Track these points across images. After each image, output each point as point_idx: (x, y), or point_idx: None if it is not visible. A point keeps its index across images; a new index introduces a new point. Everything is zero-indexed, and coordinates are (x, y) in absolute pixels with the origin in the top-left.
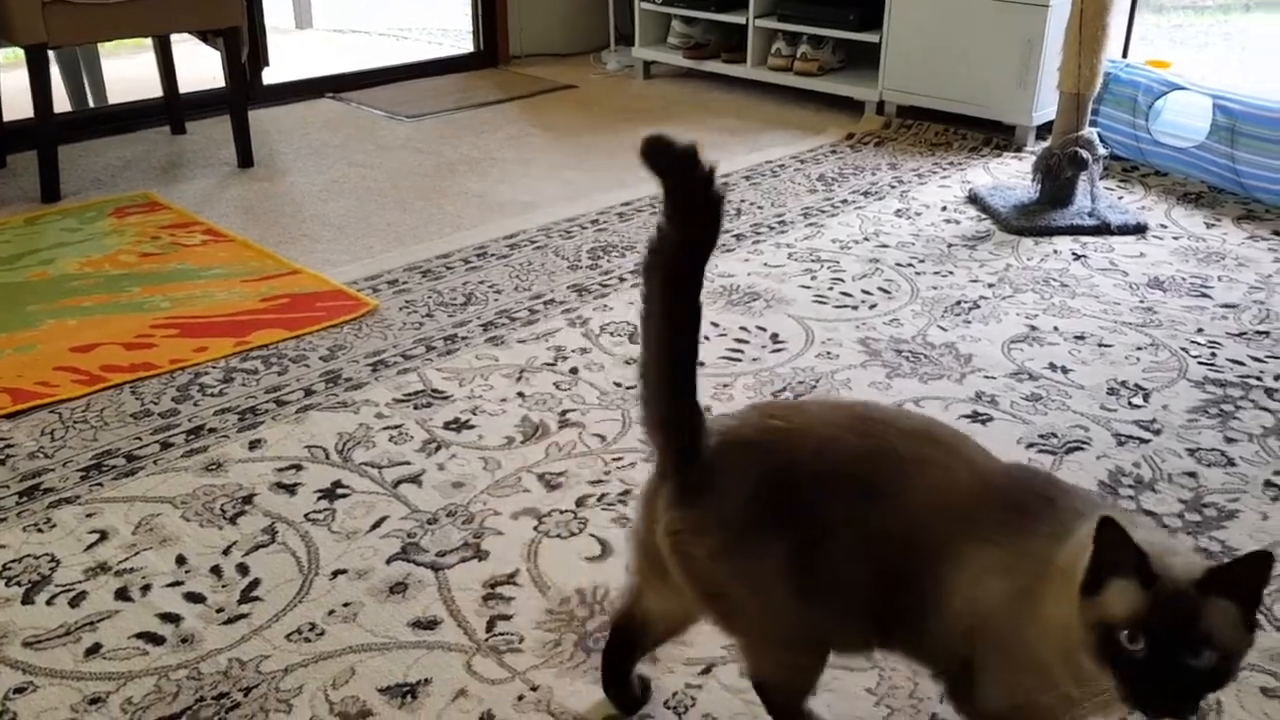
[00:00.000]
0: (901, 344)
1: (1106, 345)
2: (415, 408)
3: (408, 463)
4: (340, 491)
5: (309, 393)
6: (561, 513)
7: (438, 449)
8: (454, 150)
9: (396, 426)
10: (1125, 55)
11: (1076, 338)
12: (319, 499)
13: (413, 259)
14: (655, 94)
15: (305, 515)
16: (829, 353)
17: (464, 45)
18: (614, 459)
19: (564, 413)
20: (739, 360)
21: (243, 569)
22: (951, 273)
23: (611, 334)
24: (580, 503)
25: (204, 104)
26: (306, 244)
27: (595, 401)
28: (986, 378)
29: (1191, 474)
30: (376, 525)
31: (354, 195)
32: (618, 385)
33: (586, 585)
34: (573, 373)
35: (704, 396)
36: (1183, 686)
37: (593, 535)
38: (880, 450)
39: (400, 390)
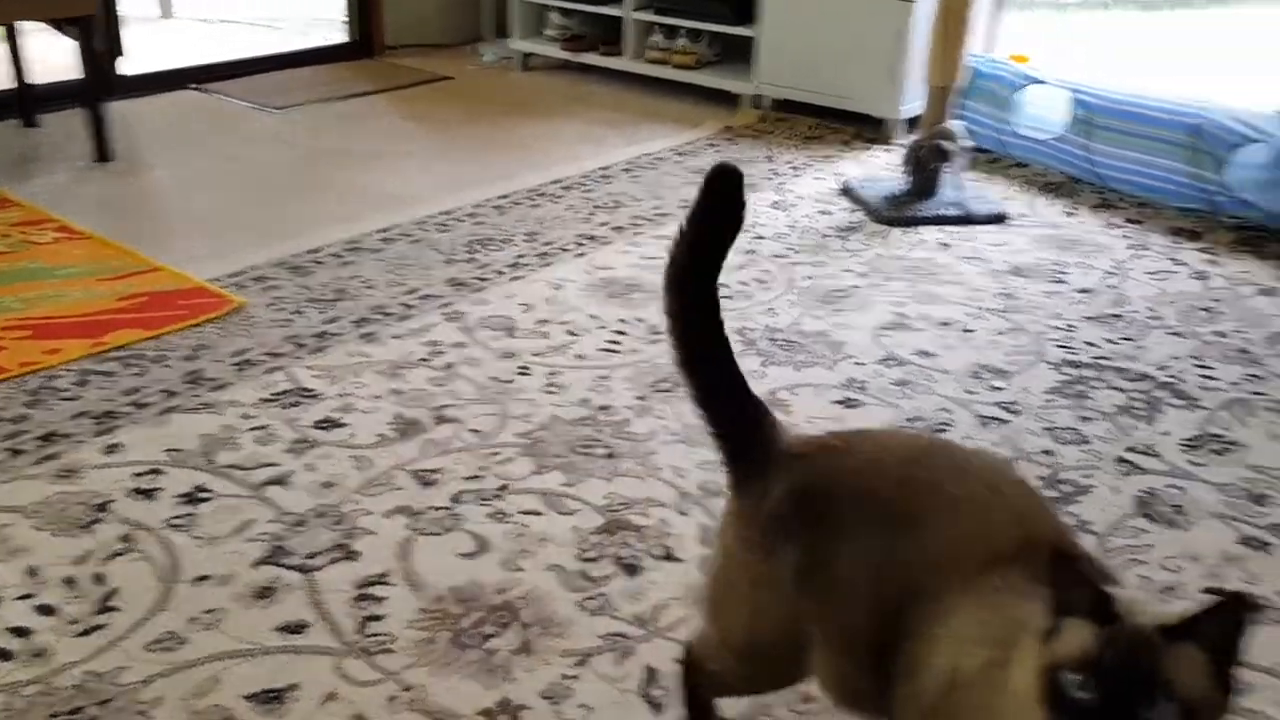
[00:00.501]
0: (776, 333)
1: (970, 331)
2: (283, 407)
3: (275, 464)
4: (203, 495)
5: (170, 394)
6: (436, 510)
7: (307, 449)
8: (325, 143)
9: (263, 427)
10: (990, 50)
11: (942, 324)
12: (180, 504)
13: (281, 254)
14: (533, 86)
15: (165, 521)
16: None
17: (338, 35)
18: (491, 454)
19: (440, 409)
20: (618, 352)
21: (99, 579)
22: (825, 263)
23: (489, 328)
24: (456, 499)
25: (58, 96)
26: (168, 240)
27: (472, 396)
28: (857, 364)
29: (1049, 452)
30: (242, 529)
31: (219, 190)
32: (495, 380)
33: (462, 582)
34: (449, 368)
35: (582, 390)
36: None
37: (468, 531)
38: (920, 479)
39: (267, 390)
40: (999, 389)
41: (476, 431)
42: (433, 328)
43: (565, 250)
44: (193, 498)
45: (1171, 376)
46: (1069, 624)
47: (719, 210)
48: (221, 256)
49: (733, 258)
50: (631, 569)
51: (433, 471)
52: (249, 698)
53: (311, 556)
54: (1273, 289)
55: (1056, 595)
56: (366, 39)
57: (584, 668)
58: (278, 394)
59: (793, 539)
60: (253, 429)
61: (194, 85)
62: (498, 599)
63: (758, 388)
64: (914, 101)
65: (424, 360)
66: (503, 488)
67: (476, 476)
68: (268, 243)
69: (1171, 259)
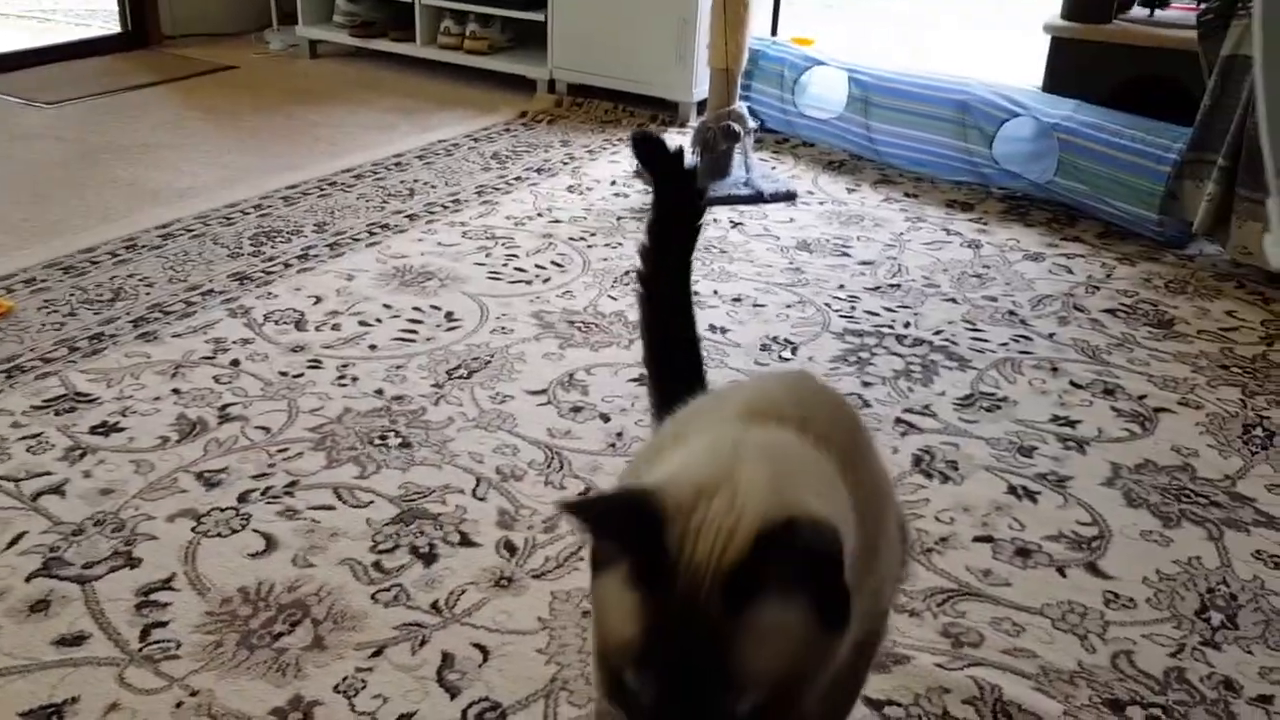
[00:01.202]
0: (574, 315)
1: (760, 305)
2: (56, 414)
3: (49, 473)
4: None
5: None
6: (222, 510)
7: (83, 455)
8: (101, 138)
9: (35, 435)
10: (775, 33)
11: (734, 300)
12: None
13: (53, 255)
14: (322, 74)
15: None
16: (504, 328)
17: (115, 27)
18: (279, 450)
19: (224, 407)
20: (413, 341)
21: None
22: (621, 244)
23: (276, 322)
24: (243, 499)
25: None
26: None
27: (259, 393)
28: None
29: None
30: (14, 542)
31: None
32: (283, 375)
33: (250, 582)
34: (234, 365)
35: (375, 380)
36: None
37: (256, 530)
38: (732, 388)
39: (39, 396)
40: (787, 360)
41: (264, 428)
42: (216, 324)
43: (357, 240)
44: None
45: (946, 340)
46: (608, 583)
47: (664, 177)
48: None
49: (529, 242)
50: (428, 557)
51: (218, 471)
52: (25, 715)
53: (89, 566)
54: (1038, 254)
55: (593, 533)
56: (141, 28)
57: (379, 659)
58: (50, 400)
59: None
60: (23, 438)
61: None
62: (288, 597)
63: (554, 370)
64: (704, 84)
65: (207, 358)
66: (292, 484)
67: (264, 475)
68: (38, 244)
69: (945, 229)
